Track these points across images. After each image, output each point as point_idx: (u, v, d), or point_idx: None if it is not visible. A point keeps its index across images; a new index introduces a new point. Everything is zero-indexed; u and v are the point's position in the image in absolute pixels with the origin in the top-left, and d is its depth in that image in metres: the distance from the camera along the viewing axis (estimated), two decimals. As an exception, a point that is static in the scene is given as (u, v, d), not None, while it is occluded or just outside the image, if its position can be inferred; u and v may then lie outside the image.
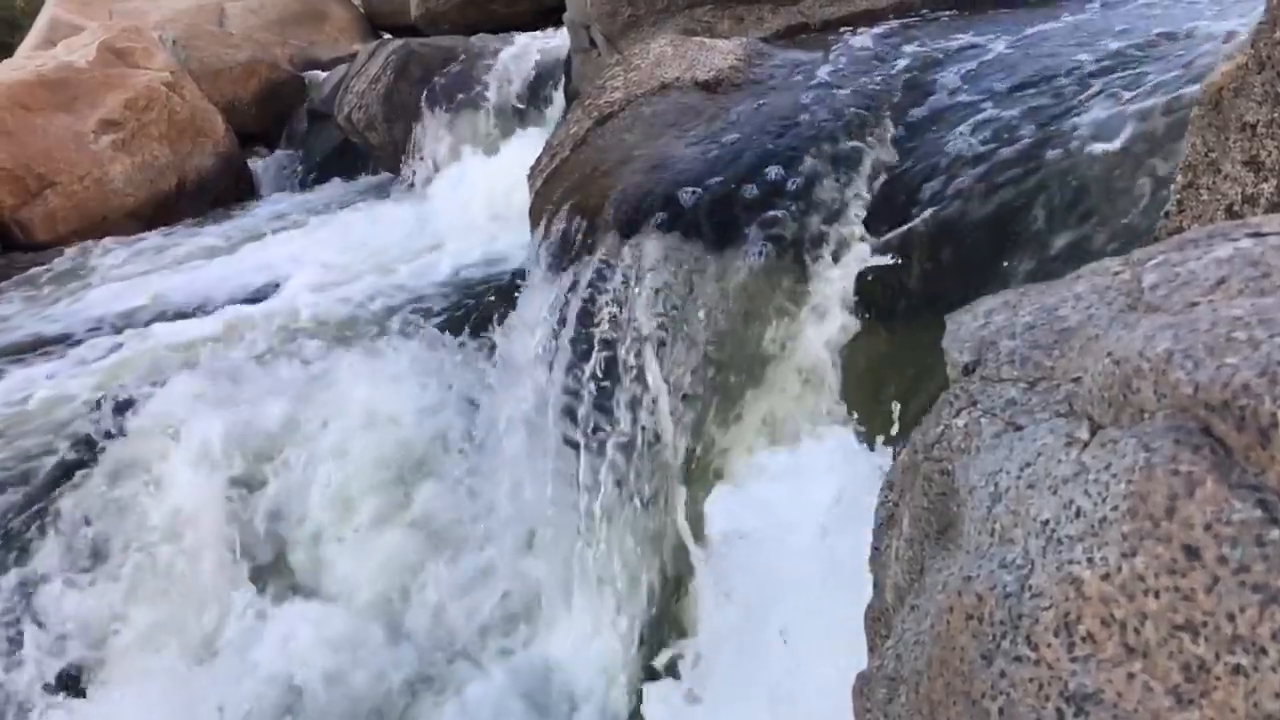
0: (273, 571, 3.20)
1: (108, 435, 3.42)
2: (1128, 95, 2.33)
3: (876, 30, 3.58)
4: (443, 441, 3.43)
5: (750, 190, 2.67)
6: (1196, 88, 2.19)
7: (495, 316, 3.81)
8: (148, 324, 4.43)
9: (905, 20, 3.69)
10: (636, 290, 2.71)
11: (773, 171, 2.67)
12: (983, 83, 2.76)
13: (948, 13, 3.68)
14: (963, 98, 2.73)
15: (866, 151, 2.64)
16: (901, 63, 3.02)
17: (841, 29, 3.80)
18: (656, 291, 2.67)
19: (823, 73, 3.17)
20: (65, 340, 4.41)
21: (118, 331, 4.38)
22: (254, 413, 3.47)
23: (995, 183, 2.37)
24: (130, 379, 3.71)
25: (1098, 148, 2.23)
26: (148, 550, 3.15)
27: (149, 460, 3.36)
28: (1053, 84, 2.58)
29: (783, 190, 2.63)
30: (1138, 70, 2.46)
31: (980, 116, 2.56)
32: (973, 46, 3.03)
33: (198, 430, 3.37)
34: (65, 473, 3.36)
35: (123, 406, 3.50)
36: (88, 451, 3.40)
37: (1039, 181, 2.30)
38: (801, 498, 2.29)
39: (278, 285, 4.73)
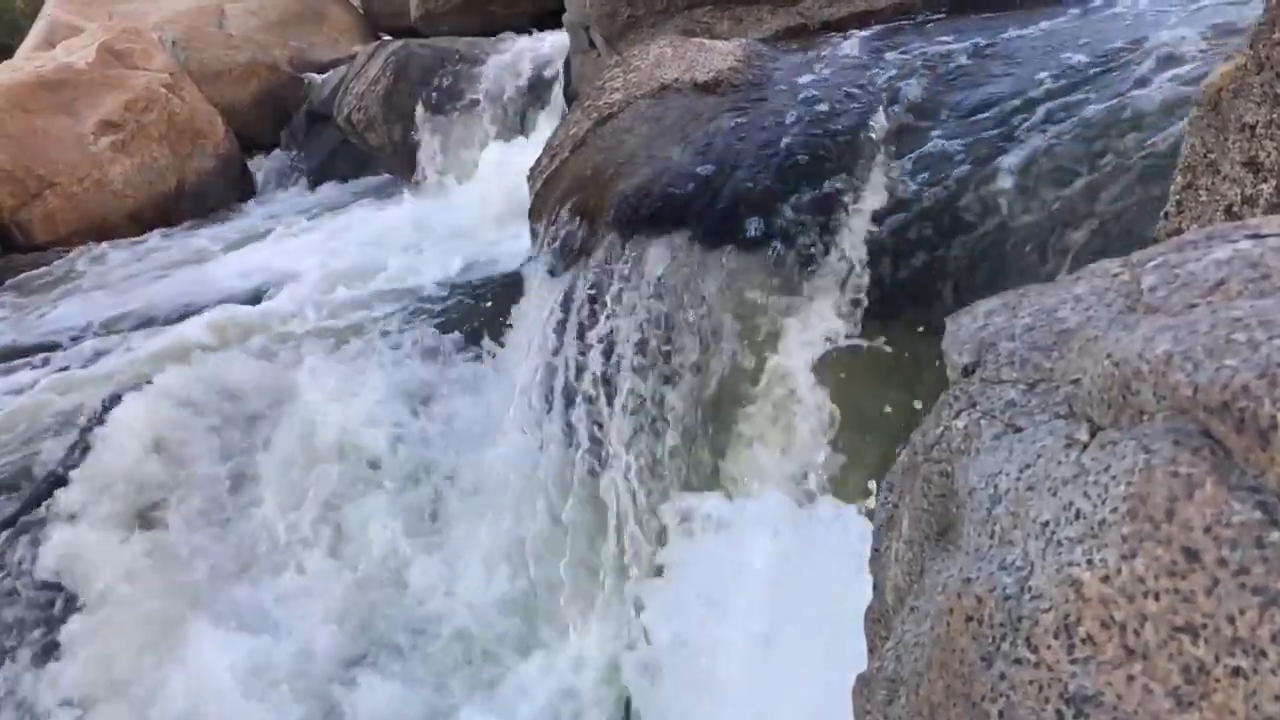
0: (231, 615, 2.95)
1: (69, 467, 3.19)
2: (1053, 130, 2.43)
3: (866, 34, 3.60)
4: (419, 471, 3.27)
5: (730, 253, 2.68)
6: (1120, 140, 2.29)
7: (491, 326, 3.75)
8: (136, 329, 4.33)
9: (898, 23, 3.71)
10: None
11: (753, 225, 2.69)
12: (944, 103, 2.84)
13: (937, 15, 3.71)
14: (920, 122, 2.80)
15: (845, 195, 2.67)
16: (882, 76, 3.07)
17: (839, 30, 3.80)
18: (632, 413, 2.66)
19: (815, 81, 3.18)
20: (48, 348, 4.28)
21: (105, 338, 4.27)
22: (223, 438, 3.31)
23: (909, 242, 2.48)
24: (103, 393, 3.50)
25: (1013, 219, 2.33)
26: (106, 600, 2.87)
27: (113, 487, 3.13)
28: (1004, 107, 2.67)
29: (764, 244, 2.66)
30: (1083, 94, 2.55)
31: (926, 149, 2.63)
32: (948, 57, 3.08)
33: (164, 457, 3.20)
34: (24, 505, 3.12)
35: (91, 424, 3.30)
36: (48, 477, 3.18)
37: (959, 248, 2.39)
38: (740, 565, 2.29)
39: (271, 290, 4.70)
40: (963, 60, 3.04)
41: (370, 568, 3.03)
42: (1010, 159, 2.44)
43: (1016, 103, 2.65)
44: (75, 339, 4.35)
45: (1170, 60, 2.48)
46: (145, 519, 3.12)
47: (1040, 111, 2.55)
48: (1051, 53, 2.88)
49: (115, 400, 3.41)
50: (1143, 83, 2.46)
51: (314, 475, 3.26)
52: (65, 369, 3.96)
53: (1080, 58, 2.75)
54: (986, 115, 2.67)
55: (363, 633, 2.87)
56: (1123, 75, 2.56)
